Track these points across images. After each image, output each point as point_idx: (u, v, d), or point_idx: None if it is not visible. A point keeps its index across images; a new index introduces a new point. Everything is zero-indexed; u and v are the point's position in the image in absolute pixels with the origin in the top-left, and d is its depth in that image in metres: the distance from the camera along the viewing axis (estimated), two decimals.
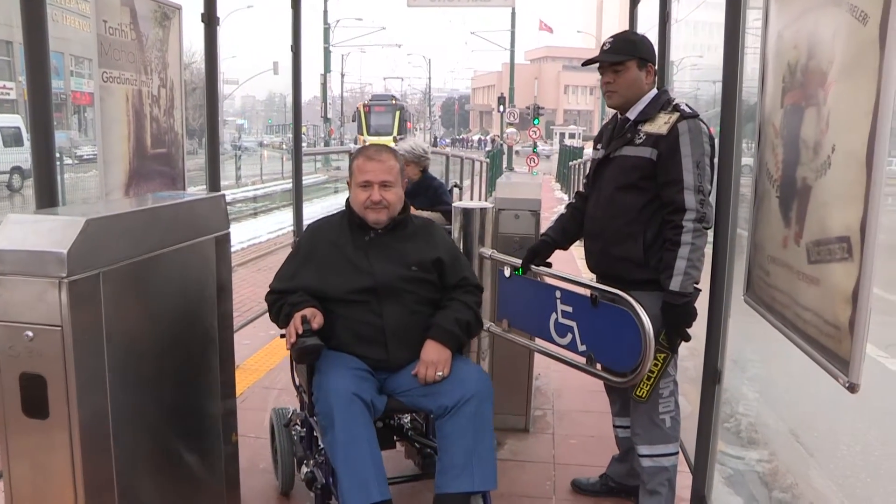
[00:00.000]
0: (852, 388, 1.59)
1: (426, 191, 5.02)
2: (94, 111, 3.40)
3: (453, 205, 3.37)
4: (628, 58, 2.77)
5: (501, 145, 35.40)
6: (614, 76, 2.80)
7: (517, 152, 39.18)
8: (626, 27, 4.67)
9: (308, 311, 2.51)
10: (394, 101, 44.53)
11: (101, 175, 3.36)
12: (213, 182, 4.24)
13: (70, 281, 1.85)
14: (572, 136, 54.45)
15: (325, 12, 38.32)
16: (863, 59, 1.51)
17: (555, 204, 16.57)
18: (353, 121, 45.60)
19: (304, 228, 3.12)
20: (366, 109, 43.40)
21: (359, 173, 2.68)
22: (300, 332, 2.42)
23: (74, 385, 1.87)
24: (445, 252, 2.76)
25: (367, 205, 2.65)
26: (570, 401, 4.38)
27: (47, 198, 2.85)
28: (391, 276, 2.64)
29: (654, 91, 2.82)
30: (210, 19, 4.12)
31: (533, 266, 3.00)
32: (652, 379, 2.73)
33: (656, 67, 2.88)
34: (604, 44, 2.87)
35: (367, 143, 4.30)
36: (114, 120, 3.41)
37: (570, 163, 21.04)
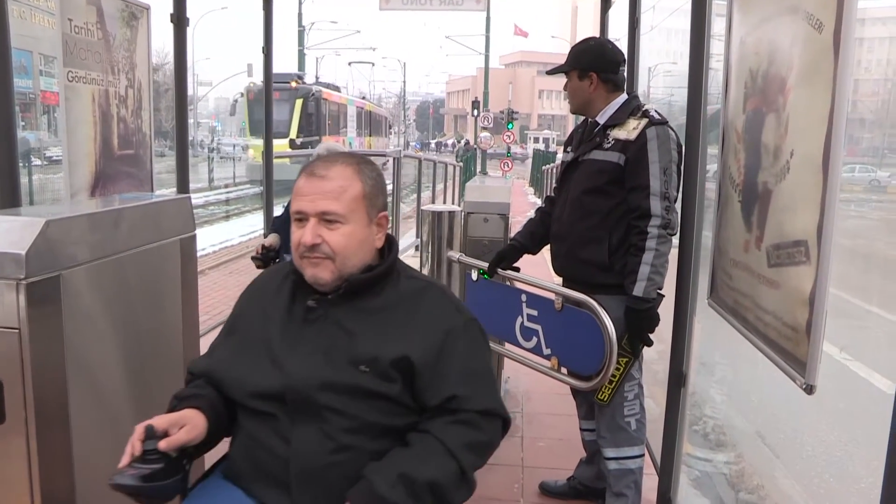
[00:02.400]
0: (809, 390, 1.61)
1: None
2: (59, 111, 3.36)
3: (422, 208, 3.38)
4: (570, 68, 2.89)
5: (475, 149, 35.43)
6: (566, 84, 2.94)
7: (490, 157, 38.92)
8: (598, 33, 4.72)
9: (163, 421, 1.61)
10: (296, 84, 28.05)
11: (67, 176, 3.32)
12: (182, 184, 4.20)
13: (28, 283, 1.82)
14: (545, 140, 54.59)
15: (300, 15, 38.09)
16: (818, 65, 1.53)
17: (528, 208, 16.62)
18: (233, 115, 34.01)
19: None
20: (250, 96, 28.25)
21: (294, 199, 1.72)
22: (136, 453, 1.54)
23: (32, 389, 1.84)
24: (425, 348, 1.67)
25: (301, 252, 1.70)
26: (540, 404, 4.39)
27: (8, 198, 2.80)
28: (310, 380, 1.64)
29: (624, 96, 2.86)
30: (179, 20, 4.08)
31: (500, 270, 3.01)
32: (614, 383, 2.75)
33: (617, 74, 2.89)
34: None
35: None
36: (79, 120, 3.36)
37: (544, 167, 21.13)
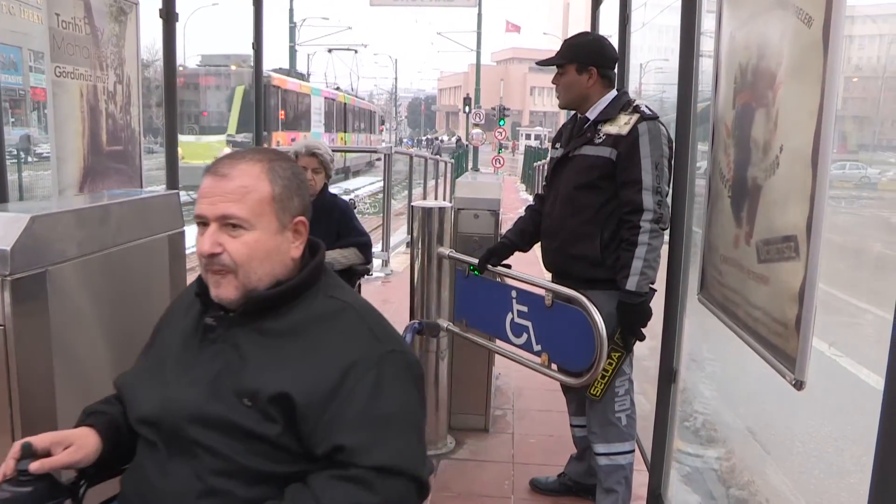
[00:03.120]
0: (799, 386, 1.61)
1: (329, 213, 3.70)
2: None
3: (412, 204, 3.36)
4: (567, 61, 2.86)
5: (467, 146, 35.44)
6: (559, 78, 2.90)
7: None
8: (589, 29, 4.72)
9: (45, 439, 1.43)
10: (236, 68, 22.87)
11: (55, 172, 3.30)
12: (171, 180, 4.17)
13: (14, 279, 1.81)
14: (537, 137, 54.61)
15: (291, 11, 37.95)
16: (808, 60, 1.53)
17: (519, 205, 16.63)
18: (159, 105, 19.41)
19: None
20: (181, 82, 20.94)
21: (196, 202, 1.50)
22: (8, 473, 1.35)
23: (17, 387, 1.83)
24: (313, 384, 1.40)
25: (202, 263, 1.50)
26: (531, 400, 4.40)
27: None
28: (182, 410, 1.43)
29: (614, 92, 2.86)
30: (168, 15, 4.05)
31: (490, 266, 3.01)
32: (606, 378, 2.75)
33: (613, 70, 2.91)
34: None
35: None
36: (68, 116, 3.34)
37: (535, 164, 21.15)
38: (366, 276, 3.91)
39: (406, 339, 3.47)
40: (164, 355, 1.55)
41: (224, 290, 1.47)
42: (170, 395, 1.46)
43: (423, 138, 76.98)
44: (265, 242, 1.47)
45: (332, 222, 3.65)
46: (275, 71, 26.13)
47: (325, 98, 31.33)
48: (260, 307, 1.48)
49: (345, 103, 34.74)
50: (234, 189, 1.45)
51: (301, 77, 31.04)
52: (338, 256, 3.60)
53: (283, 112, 25.24)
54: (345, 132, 34.09)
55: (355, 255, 3.68)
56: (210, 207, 1.46)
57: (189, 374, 1.48)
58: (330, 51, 39.61)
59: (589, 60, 2.83)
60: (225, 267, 1.45)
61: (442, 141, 59.12)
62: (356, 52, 40.80)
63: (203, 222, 1.47)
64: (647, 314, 2.68)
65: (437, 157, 16.27)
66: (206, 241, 1.45)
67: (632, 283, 2.63)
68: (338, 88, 35.95)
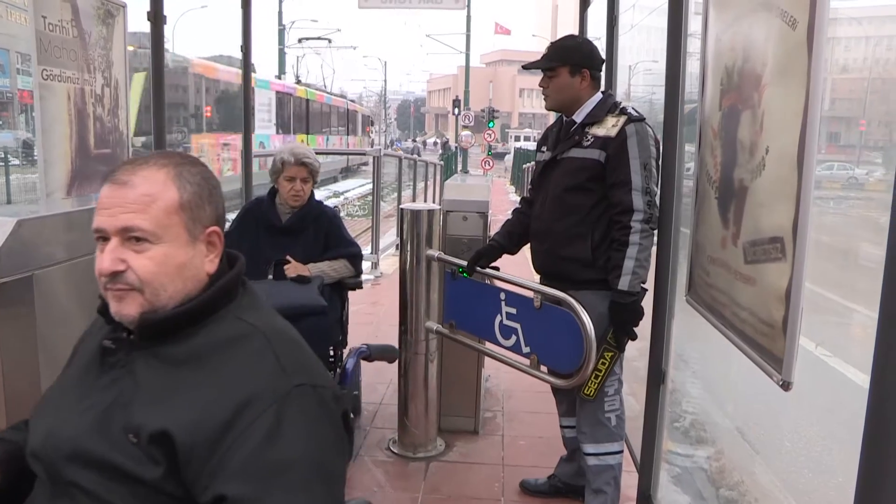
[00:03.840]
0: (786, 386, 1.61)
1: (316, 222, 3.54)
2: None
3: (401, 207, 3.35)
4: (559, 64, 2.85)
5: (456, 147, 35.40)
6: (548, 81, 2.89)
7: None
8: (577, 31, 4.73)
9: None
10: (134, 49, 10.34)
11: (42, 175, 3.28)
12: None
13: (0, 283, 1.80)
14: (527, 139, 54.67)
15: (280, 13, 37.87)
16: (793, 62, 1.54)
17: (508, 206, 16.65)
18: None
19: None
20: None
21: (95, 213, 1.32)
22: None
23: (3, 390, 1.82)
24: (199, 423, 1.20)
25: (102, 283, 1.30)
26: (520, 402, 4.40)
27: None
28: (61, 446, 1.26)
29: (599, 94, 2.87)
30: (156, 17, 4.04)
31: (478, 268, 3.01)
32: (599, 377, 2.77)
33: (601, 72, 2.93)
34: (545, 49, 2.95)
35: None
36: (55, 119, 3.33)
37: (524, 165, 21.18)
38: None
39: (349, 366, 3.40)
40: (69, 379, 1.39)
41: (126, 307, 1.28)
42: (53, 427, 1.28)
43: (413, 140, 76.92)
44: (174, 257, 1.29)
45: (319, 232, 3.52)
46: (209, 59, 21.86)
47: (278, 92, 25.69)
48: (157, 330, 1.29)
49: (307, 99, 29.39)
50: (137, 198, 1.27)
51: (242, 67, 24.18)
52: (327, 269, 3.48)
53: (208, 108, 21.02)
54: (307, 134, 28.79)
55: (345, 267, 3.54)
56: (110, 220, 1.27)
57: (83, 403, 1.29)
58: (300, 40, 35.42)
59: (582, 63, 2.84)
60: (130, 286, 1.27)
61: (424, 144, 57.88)
62: (329, 41, 36.78)
63: (103, 237, 1.29)
64: (640, 313, 2.70)
65: (425, 160, 16.22)
66: (105, 258, 1.26)
67: (624, 283, 2.65)
68: (299, 81, 30.89)
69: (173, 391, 1.24)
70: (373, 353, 3.47)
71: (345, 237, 3.61)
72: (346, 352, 3.58)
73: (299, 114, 28.08)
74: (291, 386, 1.24)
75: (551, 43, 2.98)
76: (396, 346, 3.62)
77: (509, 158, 38.94)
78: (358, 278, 3.62)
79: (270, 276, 3.43)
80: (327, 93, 34.84)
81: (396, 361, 3.61)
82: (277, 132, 25.02)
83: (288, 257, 3.42)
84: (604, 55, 3.94)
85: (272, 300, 3.14)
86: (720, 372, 5.51)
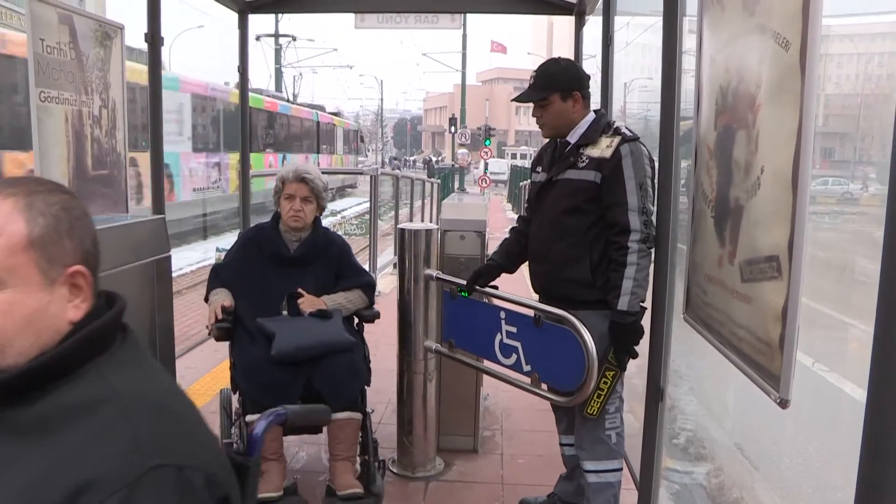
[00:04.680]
0: (783, 404, 1.62)
1: (326, 251, 3.36)
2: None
3: (399, 226, 3.31)
4: (550, 92, 2.83)
5: (453, 165, 35.48)
6: (541, 111, 2.88)
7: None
8: (573, 49, 4.78)
9: None
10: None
11: None
12: (157, 204, 4.17)
13: None
14: (523, 156, 54.83)
15: (277, 33, 38.02)
16: (786, 83, 1.56)
17: (506, 224, 16.67)
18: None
19: None
20: None
21: None
22: None
23: None
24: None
25: None
26: (519, 420, 4.39)
27: None
28: None
29: (592, 114, 2.88)
30: (154, 39, 4.08)
31: (477, 287, 3.02)
32: (602, 396, 2.77)
33: (589, 90, 2.92)
34: (530, 77, 2.91)
35: None
36: (52, 141, 3.35)
37: (521, 183, 21.23)
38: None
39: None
40: None
41: None
42: None
43: (410, 159, 76.91)
44: (22, 305, 1.07)
45: (330, 261, 3.33)
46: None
47: (195, 94, 19.10)
48: (2, 392, 1.05)
49: (267, 111, 24.13)
50: None
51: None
52: (343, 301, 3.28)
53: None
54: (264, 152, 23.27)
55: (361, 297, 3.35)
56: None
57: None
58: (258, 38, 31.89)
59: (572, 85, 2.84)
60: None
61: (413, 161, 56.38)
62: (293, 38, 33.73)
63: None
64: (640, 332, 2.71)
65: (423, 178, 16.24)
66: None
67: (623, 303, 2.66)
68: (260, 92, 24.47)
69: (8, 465, 1.01)
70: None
71: (357, 266, 3.47)
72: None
73: (231, 125, 20.26)
74: (146, 468, 0.99)
75: (536, 71, 2.92)
76: (366, 381, 3.25)
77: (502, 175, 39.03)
78: (372, 309, 3.43)
79: (285, 312, 3.17)
80: (287, 101, 29.22)
81: (393, 381, 3.59)
82: (207, 149, 19.87)
83: (300, 290, 3.21)
84: (599, 73, 3.98)
85: (298, 339, 2.99)
86: (718, 388, 5.52)
